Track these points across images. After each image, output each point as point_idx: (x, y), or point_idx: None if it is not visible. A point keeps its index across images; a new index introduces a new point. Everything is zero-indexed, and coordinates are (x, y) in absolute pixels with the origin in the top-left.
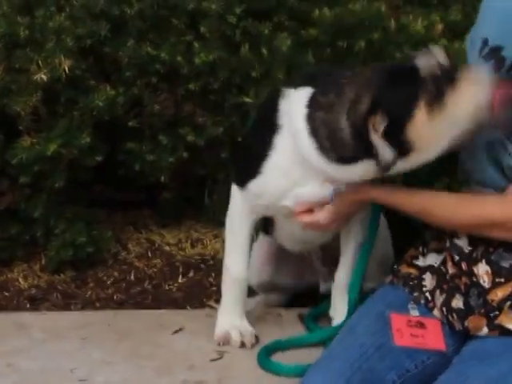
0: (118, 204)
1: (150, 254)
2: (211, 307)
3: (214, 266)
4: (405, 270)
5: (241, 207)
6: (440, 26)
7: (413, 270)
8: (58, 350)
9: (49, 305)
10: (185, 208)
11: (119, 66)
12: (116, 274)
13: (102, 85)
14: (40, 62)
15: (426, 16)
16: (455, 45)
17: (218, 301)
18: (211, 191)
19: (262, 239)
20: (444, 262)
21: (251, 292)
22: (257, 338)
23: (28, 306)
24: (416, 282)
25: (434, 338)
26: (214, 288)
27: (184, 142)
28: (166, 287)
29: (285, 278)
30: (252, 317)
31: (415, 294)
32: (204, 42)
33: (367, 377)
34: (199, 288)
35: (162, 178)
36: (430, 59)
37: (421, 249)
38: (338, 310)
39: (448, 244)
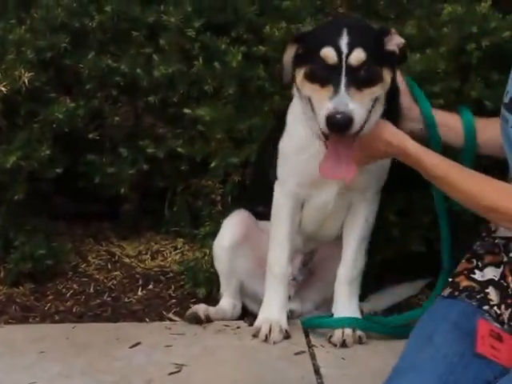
0: (78, 216)
1: (109, 266)
2: (171, 320)
3: (173, 279)
4: (465, 283)
5: (282, 198)
6: None
7: (474, 284)
8: (16, 364)
9: (7, 318)
10: (145, 220)
11: (79, 78)
12: (75, 286)
13: (62, 97)
14: (0, 74)
15: None
16: (411, 57)
17: (177, 313)
18: (171, 203)
19: (237, 211)
20: (504, 277)
21: None
22: (287, 333)
23: None
24: (482, 295)
25: (507, 355)
26: (174, 300)
27: (144, 154)
28: (126, 299)
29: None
30: (211, 329)
31: (485, 308)
32: (163, 54)
33: None
34: (159, 300)
35: (122, 190)
36: None
37: (475, 262)
38: (340, 305)
39: (505, 258)
